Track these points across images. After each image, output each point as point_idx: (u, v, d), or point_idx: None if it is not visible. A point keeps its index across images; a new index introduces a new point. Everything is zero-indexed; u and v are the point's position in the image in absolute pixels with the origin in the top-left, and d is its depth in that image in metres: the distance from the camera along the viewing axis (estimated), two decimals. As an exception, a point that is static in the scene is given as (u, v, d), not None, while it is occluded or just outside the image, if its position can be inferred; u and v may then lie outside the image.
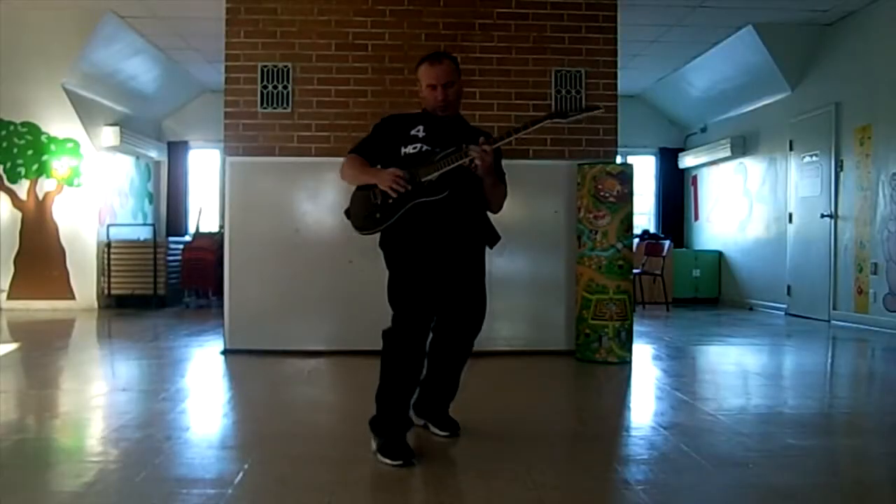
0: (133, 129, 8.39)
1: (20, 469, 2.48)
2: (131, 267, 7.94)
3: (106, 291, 7.87)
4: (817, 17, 6.81)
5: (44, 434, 3.03)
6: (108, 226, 7.95)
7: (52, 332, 6.25)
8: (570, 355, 4.86)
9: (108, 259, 7.86)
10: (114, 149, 8.12)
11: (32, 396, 3.75)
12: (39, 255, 7.63)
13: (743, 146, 8.55)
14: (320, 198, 4.99)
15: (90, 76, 7.55)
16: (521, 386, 4.14)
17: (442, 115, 2.72)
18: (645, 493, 2.26)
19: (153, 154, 9.15)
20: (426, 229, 2.64)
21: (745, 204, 8.68)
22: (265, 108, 4.99)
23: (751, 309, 8.31)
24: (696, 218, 9.97)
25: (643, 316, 7.43)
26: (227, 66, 5.02)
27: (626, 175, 4.71)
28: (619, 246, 4.66)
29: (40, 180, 7.68)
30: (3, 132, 7.58)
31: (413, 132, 2.72)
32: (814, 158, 7.25)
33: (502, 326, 4.83)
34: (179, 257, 8.39)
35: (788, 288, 7.66)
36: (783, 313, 7.64)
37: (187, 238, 9.04)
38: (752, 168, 8.52)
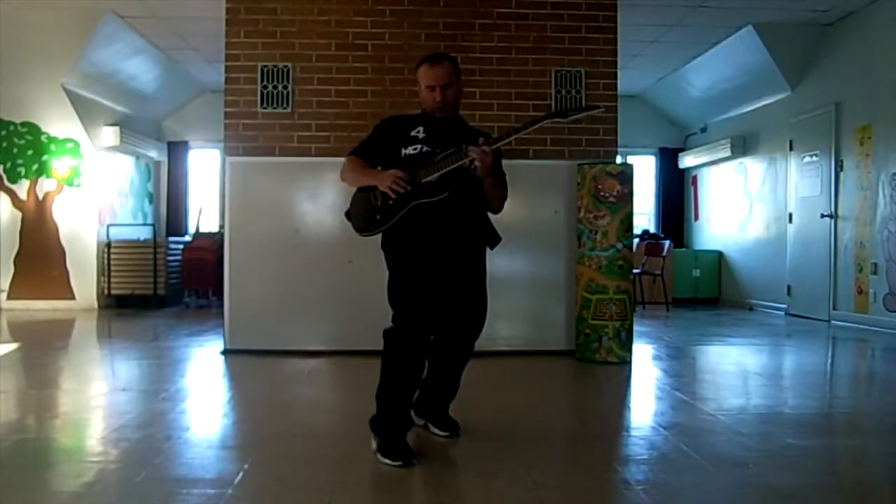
0: (133, 129, 8.40)
1: (20, 469, 2.48)
2: (131, 267, 7.94)
3: (106, 291, 7.88)
4: (817, 17, 6.81)
5: (44, 434, 3.03)
6: (108, 226, 7.95)
7: (52, 332, 6.25)
8: (570, 355, 4.86)
9: (108, 259, 7.86)
10: (114, 149, 8.12)
11: (32, 396, 3.75)
12: (39, 255, 7.63)
13: (743, 146, 8.55)
14: (320, 198, 4.99)
15: (90, 76, 7.55)
16: (521, 386, 4.14)
17: (441, 117, 2.72)
18: (645, 493, 2.26)
19: (153, 154, 9.15)
20: (427, 230, 2.64)
21: (745, 204, 8.68)
22: (265, 108, 4.99)
23: (751, 309, 8.31)
24: (696, 218, 9.97)
25: (643, 316, 7.43)
26: (227, 66, 5.03)
27: (626, 175, 4.71)
28: (619, 246, 4.66)
29: (40, 180, 7.68)
30: (3, 132, 7.58)
31: (413, 133, 2.72)
32: (814, 158, 7.26)
33: (502, 326, 4.83)
34: (179, 257, 8.39)
35: (788, 288, 7.66)
36: (783, 313, 7.64)
37: (187, 238, 9.04)
38: (752, 168, 8.52)
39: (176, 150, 9.67)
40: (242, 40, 5.00)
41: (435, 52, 2.99)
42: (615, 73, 5.13)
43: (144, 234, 8.53)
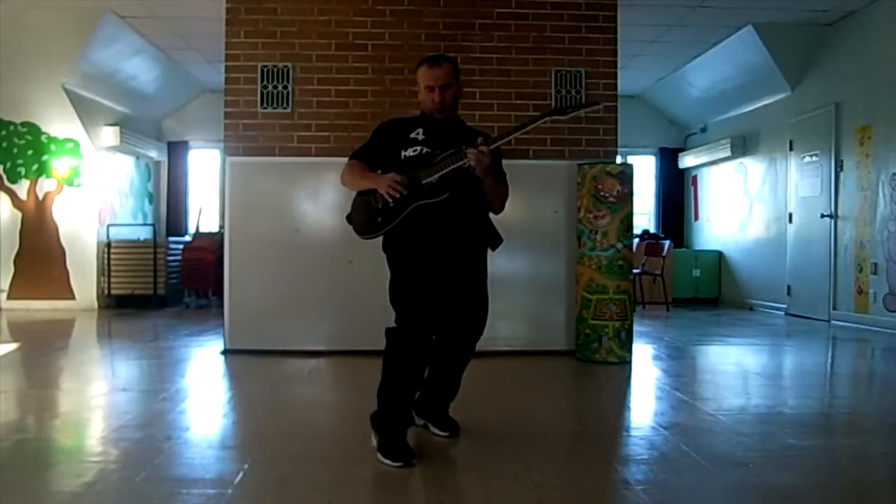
0: (133, 129, 8.40)
1: (20, 469, 2.48)
2: (131, 267, 7.94)
3: (106, 291, 7.87)
4: (817, 17, 6.81)
5: (44, 434, 3.03)
6: (108, 226, 7.95)
7: (52, 332, 6.25)
8: (570, 355, 4.86)
9: (108, 259, 7.86)
10: (114, 149, 8.12)
11: (32, 396, 3.75)
12: (39, 255, 7.63)
13: (743, 146, 8.55)
14: (320, 198, 4.99)
15: (90, 76, 7.55)
16: (521, 386, 4.14)
17: (440, 118, 2.72)
18: (645, 493, 2.26)
19: (153, 154, 9.15)
20: (428, 231, 2.64)
21: (745, 204, 8.68)
22: (265, 108, 4.99)
23: (751, 309, 8.31)
24: (696, 218, 9.97)
25: (643, 316, 7.43)
26: (227, 66, 5.02)
27: (626, 175, 4.71)
28: (619, 246, 4.66)
29: (40, 180, 7.68)
30: (3, 132, 7.58)
31: (412, 135, 2.72)
32: (814, 158, 7.26)
33: (502, 326, 4.83)
34: (179, 257, 8.39)
35: (788, 288, 7.66)
36: (783, 313, 7.64)
37: (187, 238, 9.04)
38: (752, 168, 8.52)
39: (176, 150, 9.66)
40: (242, 40, 5.00)
41: (435, 52, 2.99)
42: (615, 73, 5.13)
43: (144, 234, 8.53)
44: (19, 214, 7.65)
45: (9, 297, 7.58)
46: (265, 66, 4.99)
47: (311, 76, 5.01)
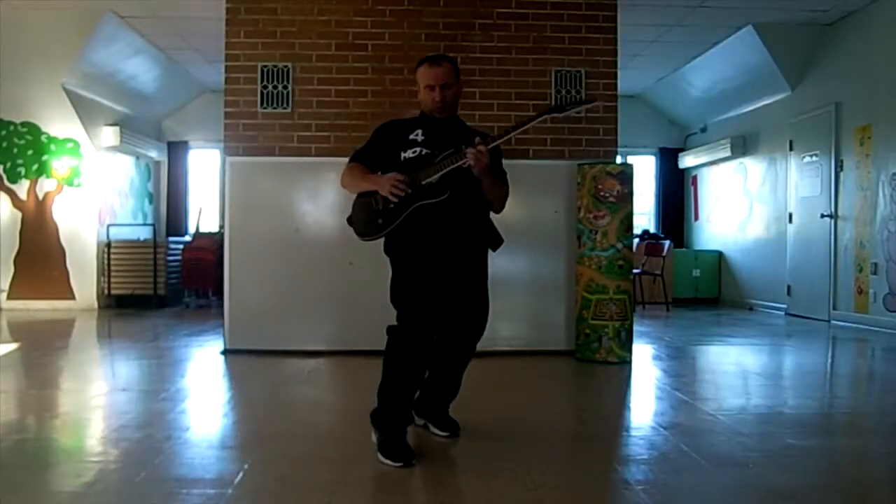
0: (133, 129, 8.40)
1: (20, 469, 2.48)
2: (131, 267, 7.94)
3: (106, 291, 7.87)
4: (817, 17, 6.81)
5: (44, 434, 3.03)
6: (108, 226, 7.95)
7: (52, 332, 6.25)
8: (570, 355, 4.86)
9: (108, 259, 7.86)
10: (114, 149, 8.12)
11: (32, 396, 3.75)
12: (39, 255, 7.63)
13: (743, 146, 8.55)
14: (320, 198, 4.99)
15: (90, 76, 7.55)
16: (521, 386, 4.14)
17: (440, 117, 2.72)
18: (645, 493, 2.26)
19: (153, 154, 9.15)
20: (429, 231, 2.64)
21: (745, 204, 8.68)
22: (265, 108, 4.99)
23: (751, 309, 8.31)
24: (696, 218, 9.97)
25: (643, 316, 7.43)
26: (227, 66, 5.02)
27: (626, 175, 4.71)
28: (619, 246, 4.66)
29: (40, 180, 7.68)
30: (3, 132, 7.58)
31: (412, 136, 2.71)
32: (814, 158, 7.26)
33: (502, 326, 4.83)
34: (179, 257, 8.39)
35: (788, 288, 7.66)
36: (783, 313, 7.64)
37: (187, 238, 9.04)
38: (752, 168, 8.52)
39: (176, 150, 9.66)
40: (242, 40, 5.00)
41: (435, 52, 3.00)
42: (615, 73, 5.13)
43: (144, 234, 8.53)
44: (19, 214, 7.65)
45: (9, 297, 7.58)
46: (265, 66, 4.99)
47: (311, 76, 5.01)
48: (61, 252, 7.68)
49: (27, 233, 7.64)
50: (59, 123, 7.60)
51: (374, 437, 2.62)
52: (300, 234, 4.98)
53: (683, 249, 9.59)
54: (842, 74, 6.82)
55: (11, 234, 7.62)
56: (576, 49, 5.09)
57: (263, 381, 4.21)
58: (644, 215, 10.08)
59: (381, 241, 2.72)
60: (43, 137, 7.62)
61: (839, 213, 6.87)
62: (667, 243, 8.76)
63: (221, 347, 4.97)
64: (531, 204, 4.98)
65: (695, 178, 9.97)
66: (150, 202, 9.44)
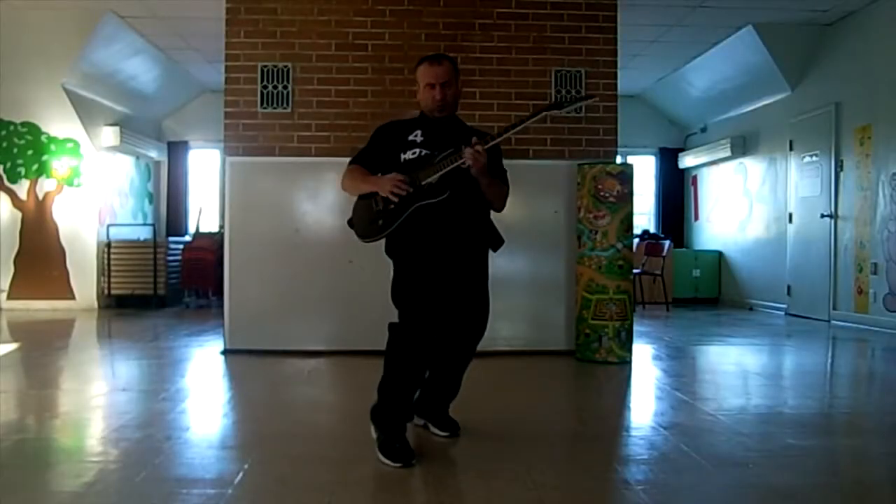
0: (133, 129, 8.40)
1: (20, 469, 2.48)
2: (131, 267, 7.94)
3: (106, 291, 7.87)
4: (817, 17, 6.81)
5: (44, 434, 3.03)
6: (108, 226, 7.95)
7: (52, 332, 6.25)
8: (570, 355, 4.86)
9: (108, 259, 7.86)
10: (114, 149, 8.12)
11: (32, 396, 3.75)
12: (39, 255, 7.63)
13: (743, 146, 8.55)
14: (320, 198, 4.99)
15: (90, 76, 7.55)
16: (521, 386, 4.14)
17: (439, 117, 2.72)
18: (645, 493, 2.26)
19: (153, 154, 9.15)
20: (429, 232, 2.63)
21: (745, 204, 8.68)
22: (265, 108, 4.99)
23: (751, 309, 8.31)
24: (696, 218, 9.97)
25: (643, 316, 7.43)
26: (227, 66, 5.03)
27: (626, 175, 4.71)
28: (619, 246, 4.66)
29: (40, 180, 7.68)
30: (3, 132, 7.58)
31: (411, 137, 2.72)
32: (814, 158, 7.26)
33: (502, 326, 4.83)
34: (179, 257, 8.39)
35: (788, 288, 7.66)
36: (783, 313, 7.64)
37: (187, 238, 9.04)
38: (752, 168, 8.52)
39: (176, 150, 9.67)
40: (242, 40, 5.00)
41: (435, 52, 3.00)
42: (615, 73, 5.13)
43: (144, 234, 8.53)
44: (19, 214, 7.65)
45: (9, 297, 7.58)
46: (265, 66, 4.99)
47: (311, 76, 5.01)
48: (61, 252, 7.68)
49: (27, 233, 7.65)
50: (59, 123, 7.60)
51: (373, 434, 2.63)
52: (300, 234, 4.98)
53: (683, 249, 9.59)
54: (842, 74, 6.82)
55: (11, 234, 7.62)
56: (576, 49, 5.09)
57: (263, 381, 4.21)
58: (644, 215, 10.08)
59: (382, 241, 2.72)
60: (43, 137, 7.62)
61: (839, 213, 6.87)
62: (667, 243, 8.76)
63: (221, 347, 4.97)
64: (531, 204, 4.98)
65: (695, 178, 9.98)
66: (150, 202, 9.44)
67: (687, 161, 9.74)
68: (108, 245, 7.88)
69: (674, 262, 8.90)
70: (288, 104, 5.00)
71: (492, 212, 2.80)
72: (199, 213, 9.15)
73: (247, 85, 4.99)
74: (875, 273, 6.34)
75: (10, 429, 2.98)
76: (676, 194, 10.19)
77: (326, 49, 5.01)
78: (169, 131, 9.67)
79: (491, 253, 2.83)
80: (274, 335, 4.93)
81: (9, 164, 7.62)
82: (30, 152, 7.63)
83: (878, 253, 6.32)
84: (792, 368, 4.99)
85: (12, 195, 7.65)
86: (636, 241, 8.36)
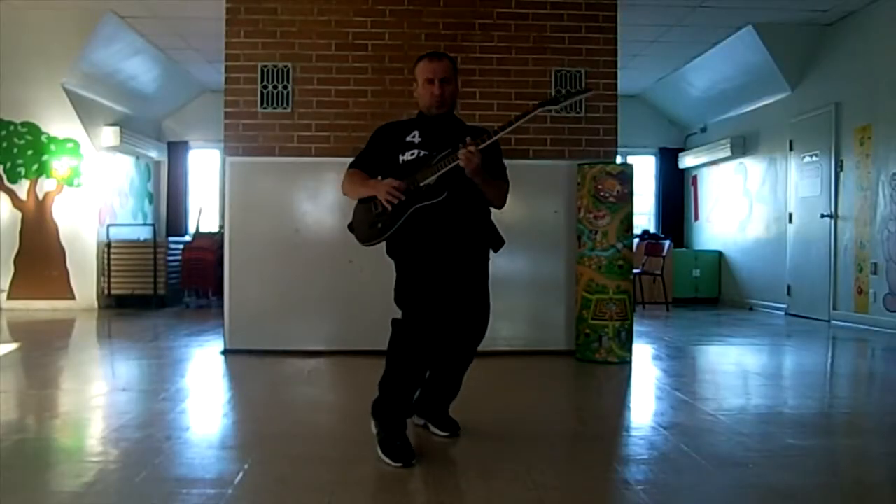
0: (133, 129, 8.40)
1: (20, 469, 2.48)
2: (131, 267, 7.94)
3: (106, 291, 7.88)
4: (817, 17, 6.81)
5: (44, 434, 3.02)
6: (108, 226, 7.95)
7: (52, 332, 6.25)
8: (570, 355, 4.86)
9: (108, 259, 7.86)
10: (114, 149, 8.12)
11: (32, 396, 3.75)
12: (39, 255, 7.63)
13: (743, 146, 8.55)
14: (320, 198, 4.99)
15: (90, 76, 7.55)
16: (521, 386, 4.14)
17: (437, 114, 2.72)
18: (645, 493, 2.26)
19: (153, 154, 9.15)
20: (429, 233, 2.63)
21: (745, 204, 8.68)
22: (265, 108, 4.99)
23: (751, 309, 8.31)
24: (696, 218, 9.97)
25: (643, 316, 7.43)
26: (227, 66, 5.03)
27: (626, 175, 4.71)
28: (619, 246, 4.66)
29: (40, 180, 7.68)
30: (3, 132, 7.58)
31: (409, 138, 2.72)
32: (814, 158, 7.26)
33: (502, 326, 4.82)
34: (179, 257, 8.39)
35: (788, 288, 7.66)
36: (783, 313, 7.64)
37: (187, 238, 9.04)
38: (752, 168, 8.52)
39: (176, 150, 9.67)
40: (242, 40, 5.00)
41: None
42: (615, 73, 5.13)
43: (144, 234, 8.53)
44: (19, 214, 7.65)
45: (9, 297, 7.58)
46: (265, 66, 4.99)
47: (311, 76, 5.01)
48: (61, 252, 7.68)
49: (27, 233, 7.65)
50: (59, 123, 7.60)
51: (373, 429, 2.63)
52: (300, 234, 4.98)
53: (683, 249, 9.59)
54: (842, 74, 6.82)
55: (11, 234, 7.62)
56: (576, 49, 5.09)
57: (263, 381, 4.21)
58: (644, 215, 10.08)
59: (383, 243, 2.72)
60: (43, 137, 7.62)
61: (839, 213, 6.87)
62: (667, 243, 8.76)
63: (221, 347, 4.97)
64: (531, 204, 4.98)
65: (695, 178, 9.98)
66: (150, 202, 9.44)
67: (687, 161, 9.74)
68: (108, 245, 7.88)
69: (674, 262, 8.90)
70: (288, 104, 5.00)
71: (492, 211, 2.80)
72: (199, 213, 9.15)
73: (247, 85, 4.99)
74: (875, 273, 6.34)
75: (10, 429, 2.98)
76: (676, 194, 10.19)
77: (326, 49, 5.01)
78: (169, 131, 9.67)
79: (491, 253, 2.83)
80: (274, 335, 4.93)
81: (9, 164, 7.62)
82: (30, 152, 7.63)
83: (878, 253, 6.32)
84: (792, 368, 4.99)
85: (12, 195, 7.65)
86: (636, 241, 8.36)
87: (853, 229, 6.66)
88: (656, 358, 5.07)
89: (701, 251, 9.46)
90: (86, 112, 7.71)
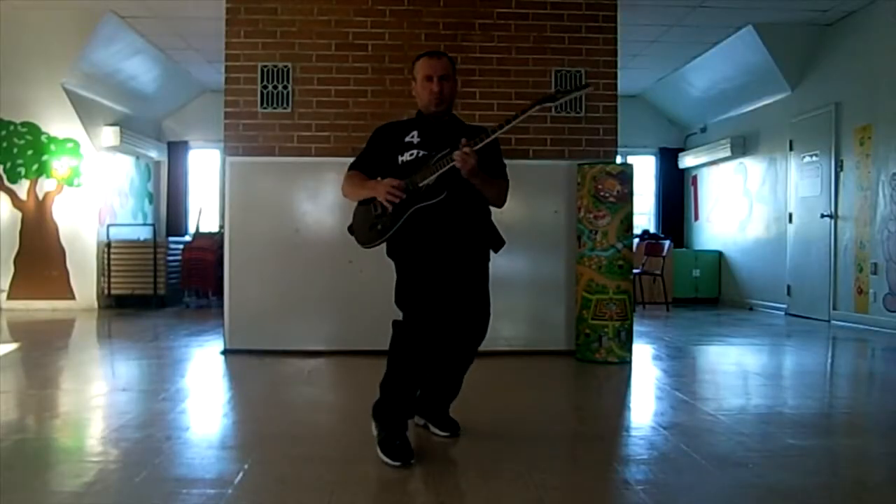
0: (133, 129, 8.40)
1: (20, 469, 2.48)
2: (131, 267, 7.94)
3: (106, 291, 7.88)
4: (817, 17, 6.81)
5: (44, 434, 3.02)
6: (108, 226, 7.95)
7: (52, 332, 6.25)
8: (570, 355, 4.86)
9: (108, 259, 7.86)
10: (114, 149, 8.12)
11: (32, 396, 3.75)
12: (39, 255, 7.63)
13: (743, 146, 8.55)
14: (320, 198, 4.99)
15: (90, 76, 7.55)
16: (521, 386, 4.14)
17: (435, 111, 2.72)
18: (645, 493, 2.26)
19: (153, 154, 9.15)
20: (429, 233, 2.63)
21: (745, 204, 8.68)
22: (265, 108, 4.99)
23: (751, 309, 8.31)
24: (696, 218, 9.97)
25: (643, 316, 7.43)
26: (227, 66, 5.03)
27: (626, 175, 4.71)
28: (619, 246, 4.66)
29: (40, 180, 7.68)
30: (3, 132, 7.58)
31: (408, 139, 2.71)
32: (814, 158, 7.26)
33: (502, 326, 4.82)
34: (179, 257, 8.39)
35: (788, 288, 7.66)
36: (783, 313, 7.64)
37: (187, 238, 9.04)
38: (752, 168, 8.52)
39: (176, 150, 9.67)
40: (242, 40, 5.00)
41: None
42: (615, 73, 5.13)
43: (144, 234, 8.53)
44: (19, 214, 7.65)
45: (9, 297, 7.58)
46: (265, 66, 4.99)
47: (311, 76, 5.01)
48: (61, 252, 7.69)
49: (27, 233, 7.65)
50: (59, 123, 7.60)
51: (374, 431, 2.62)
52: (300, 234, 4.98)
53: (683, 249, 9.59)
54: (842, 74, 6.82)
55: (11, 234, 7.62)
56: (576, 49, 5.09)
57: (263, 381, 4.21)
58: (644, 215, 10.08)
59: (384, 244, 2.72)
60: (43, 137, 7.62)
61: (839, 213, 6.87)
62: (667, 243, 8.76)
63: (221, 347, 4.97)
64: (531, 204, 4.98)
65: (695, 178, 9.98)
66: (150, 202, 9.44)
67: (687, 161, 9.74)
68: (108, 245, 7.88)
69: (674, 262, 8.90)
70: (288, 104, 5.00)
71: (492, 211, 2.80)
72: (199, 213, 9.15)
73: (247, 85, 4.99)
74: (875, 273, 6.34)
75: (10, 429, 2.98)
76: (676, 194, 10.19)
77: (326, 49, 5.01)
78: (169, 131, 9.67)
79: (491, 253, 2.82)
80: (274, 335, 4.93)
81: (9, 164, 7.62)
82: (30, 152, 7.63)
83: (878, 253, 6.32)
84: (792, 368, 4.99)
85: (12, 195, 7.65)
86: (636, 241, 8.36)
87: (853, 229, 6.66)
88: (656, 358, 5.07)
89: (701, 251, 9.46)
90: (86, 112, 7.71)
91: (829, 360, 5.25)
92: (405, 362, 2.60)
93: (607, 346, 4.64)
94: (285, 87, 5.00)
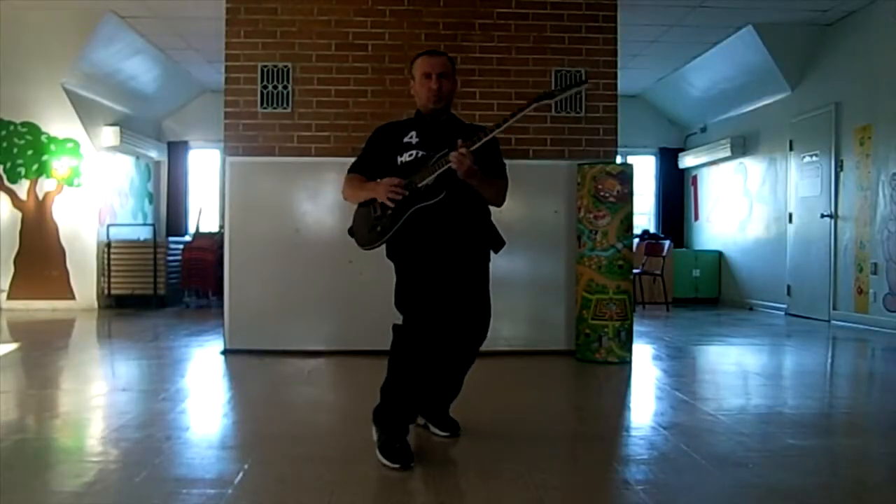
0: (133, 129, 8.40)
1: (20, 469, 2.48)
2: (131, 267, 7.95)
3: (106, 291, 7.88)
4: (817, 17, 6.81)
5: (44, 434, 3.02)
6: (108, 226, 7.95)
7: (52, 332, 6.25)
8: (570, 355, 4.86)
9: (108, 259, 7.86)
10: (114, 149, 8.12)
11: (32, 396, 3.75)
12: (39, 255, 7.63)
13: (743, 146, 8.55)
14: (320, 198, 4.99)
15: (90, 76, 7.55)
16: (521, 386, 4.14)
17: (434, 109, 2.71)
18: (645, 493, 2.26)
19: (153, 154, 9.15)
20: (429, 234, 2.63)
21: (745, 204, 8.68)
22: (265, 108, 4.99)
23: (751, 309, 8.31)
24: (696, 218, 9.97)
25: (643, 316, 7.43)
26: (227, 66, 5.03)
27: (626, 175, 4.71)
28: (619, 246, 4.66)
29: (40, 180, 7.68)
30: (3, 132, 7.58)
31: (406, 139, 2.71)
32: (814, 158, 7.26)
33: (502, 326, 4.81)
34: (179, 257, 8.39)
35: (788, 288, 7.66)
36: (783, 313, 7.64)
37: (187, 238, 9.04)
38: (752, 168, 8.52)
39: (176, 150, 9.67)
40: (242, 40, 5.00)
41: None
42: (615, 73, 5.13)
43: (144, 234, 8.53)
44: (19, 214, 7.65)
45: (9, 297, 7.58)
46: (265, 66, 4.99)
47: (311, 76, 5.01)
48: (61, 252, 7.69)
49: (27, 233, 7.65)
50: (59, 123, 7.60)
51: (374, 435, 2.61)
52: (300, 234, 4.98)
53: (683, 249, 9.59)
54: (842, 74, 6.82)
55: (11, 234, 7.62)
56: (576, 49, 5.09)
57: (263, 381, 4.21)
58: (644, 215, 10.08)
59: (384, 248, 2.72)
60: (43, 137, 7.62)
61: (839, 213, 6.87)
62: (667, 243, 8.76)
63: (221, 347, 4.97)
64: (531, 204, 4.98)
65: (695, 178, 9.98)
66: (150, 202, 9.44)
67: (687, 161, 9.74)
68: (108, 245, 7.88)
69: (674, 262, 8.90)
70: (288, 104, 5.00)
71: (492, 211, 2.80)
72: (199, 213, 9.15)
73: (247, 85, 4.99)
74: (875, 273, 6.34)
75: (10, 429, 2.98)
76: (676, 194, 10.19)
77: (326, 49, 5.01)
78: (169, 131, 9.67)
79: (492, 254, 2.82)
80: (274, 335, 4.93)
81: (9, 164, 7.62)
82: (30, 152, 7.63)
83: (878, 253, 6.32)
84: (792, 368, 4.99)
85: (12, 195, 7.65)
86: (636, 241, 8.36)
87: (853, 229, 6.66)
88: (656, 358, 5.07)
89: (701, 251, 9.46)
90: (86, 112, 7.71)
91: (829, 360, 5.25)
92: (406, 367, 2.59)
93: (607, 346, 4.64)
94: (285, 87, 5.00)
